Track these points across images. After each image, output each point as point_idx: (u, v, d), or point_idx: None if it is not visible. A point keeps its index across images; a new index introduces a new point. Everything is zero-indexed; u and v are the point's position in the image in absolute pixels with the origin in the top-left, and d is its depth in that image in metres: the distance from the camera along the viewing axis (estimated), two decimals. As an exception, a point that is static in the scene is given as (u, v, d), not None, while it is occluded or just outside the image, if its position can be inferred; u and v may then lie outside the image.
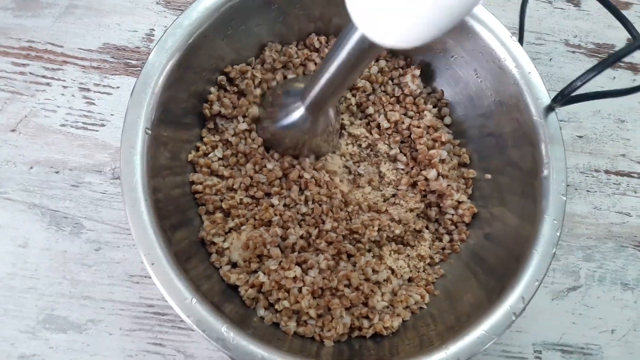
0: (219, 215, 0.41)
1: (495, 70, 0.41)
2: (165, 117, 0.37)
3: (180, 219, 0.38)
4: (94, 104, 0.47)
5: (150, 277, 0.44)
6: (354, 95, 0.46)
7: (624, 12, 0.59)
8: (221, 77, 0.42)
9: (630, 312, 0.48)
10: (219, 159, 0.42)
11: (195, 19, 0.37)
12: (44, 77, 0.48)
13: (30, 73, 0.48)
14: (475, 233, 0.44)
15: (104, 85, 0.48)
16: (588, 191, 0.51)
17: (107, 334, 0.43)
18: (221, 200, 0.41)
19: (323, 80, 0.33)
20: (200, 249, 0.40)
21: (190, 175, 0.41)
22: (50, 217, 0.45)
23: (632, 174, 0.52)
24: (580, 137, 0.52)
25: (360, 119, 0.47)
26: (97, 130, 0.47)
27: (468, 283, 0.41)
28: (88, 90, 0.48)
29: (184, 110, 0.40)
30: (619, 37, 0.57)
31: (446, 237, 0.45)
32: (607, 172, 0.52)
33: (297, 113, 0.39)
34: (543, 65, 0.55)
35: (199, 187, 0.40)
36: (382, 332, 0.39)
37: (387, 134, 0.46)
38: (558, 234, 0.36)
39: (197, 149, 0.42)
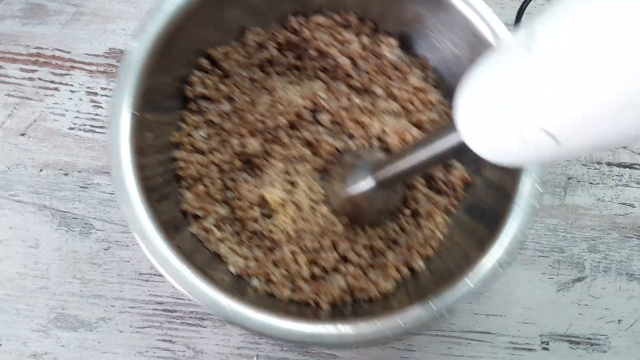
0: (200, 188, 0.41)
1: (471, 40, 0.41)
2: (150, 101, 0.37)
3: (164, 193, 0.39)
4: (101, 107, 0.48)
5: (160, 275, 0.45)
6: (347, 76, 0.46)
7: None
8: (203, 60, 0.43)
9: (636, 302, 0.49)
10: (203, 137, 0.43)
11: (175, 2, 0.37)
12: (52, 82, 0.49)
13: (39, 78, 0.49)
14: (466, 196, 0.45)
15: (111, 89, 0.49)
16: (591, 183, 0.51)
17: (118, 332, 0.43)
18: (200, 174, 0.42)
19: (405, 165, 0.33)
20: (184, 222, 0.41)
21: (174, 152, 0.41)
22: (60, 218, 0.45)
23: (634, 165, 0.52)
24: (582, 130, 0.53)
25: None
26: (104, 133, 0.48)
27: (457, 240, 0.42)
28: (95, 94, 0.49)
29: (168, 94, 0.41)
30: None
31: (440, 200, 0.44)
32: (609, 164, 0.52)
33: (366, 185, 0.39)
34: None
35: (182, 164, 0.41)
36: (378, 297, 0.40)
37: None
38: (538, 187, 0.37)
39: (180, 129, 0.42)
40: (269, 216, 0.43)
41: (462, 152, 0.27)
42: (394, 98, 0.46)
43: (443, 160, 0.30)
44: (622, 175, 0.52)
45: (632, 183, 0.52)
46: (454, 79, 0.45)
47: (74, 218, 0.45)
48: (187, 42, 0.40)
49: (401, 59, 0.46)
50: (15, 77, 0.48)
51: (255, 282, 0.39)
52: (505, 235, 0.36)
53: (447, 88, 0.46)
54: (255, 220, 0.42)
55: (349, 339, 0.34)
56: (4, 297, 0.43)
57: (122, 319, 0.44)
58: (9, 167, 0.46)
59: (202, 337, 0.44)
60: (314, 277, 0.40)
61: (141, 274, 0.45)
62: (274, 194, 0.42)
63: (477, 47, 0.41)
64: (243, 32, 0.45)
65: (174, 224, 0.38)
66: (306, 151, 0.44)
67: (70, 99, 0.48)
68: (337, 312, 0.39)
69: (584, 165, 0.52)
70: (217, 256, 0.40)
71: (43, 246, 0.45)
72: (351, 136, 0.45)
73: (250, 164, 0.44)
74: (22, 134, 0.47)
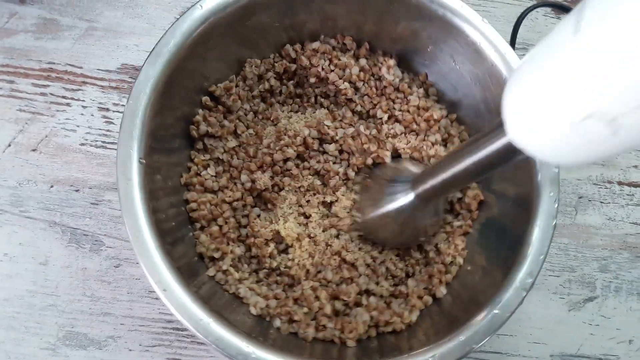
0: (215, 228, 0.41)
1: (471, 55, 0.41)
2: (156, 145, 0.37)
3: (178, 236, 0.39)
4: (112, 123, 0.48)
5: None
6: (349, 100, 0.46)
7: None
8: (205, 98, 0.43)
9: (648, 323, 0.48)
10: (212, 176, 0.42)
11: (173, 45, 0.37)
12: (64, 97, 0.49)
13: (51, 94, 0.49)
14: (480, 215, 0.44)
15: (123, 105, 0.49)
16: (602, 202, 0.51)
17: (127, 350, 0.43)
18: (213, 214, 0.41)
19: (448, 174, 0.33)
20: (201, 265, 0.40)
21: (184, 194, 0.41)
22: (70, 235, 0.45)
23: (644, 185, 0.52)
24: (592, 148, 0.53)
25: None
26: (115, 149, 0.48)
27: (477, 262, 0.41)
28: (107, 109, 0.49)
29: (173, 135, 0.41)
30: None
31: (456, 223, 0.44)
32: (620, 183, 0.52)
33: (406, 199, 0.38)
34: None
35: (194, 205, 0.41)
36: (402, 328, 0.39)
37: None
38: (556, 206, 0.36)
39: (189, 170, 0.42)
40: (285, 251, 0.42)
41: (509, 156, 0.26)
42: (398, 120, 0.46)
43: (489, 167, 0.29)
44: (633, 195, 0.52)
45: (642, 202, 0.52)
46: (456, 92, 0.45)
47: (84, 235, 0.45)
48: (188, 81, 0.40)
49: (401, 79, 0.46)
50: (27, 92, 0.48)
51: (277, 322, 0.38)
52: (527, 259, 0.35)
53: (449, 101, 0.46)
54: (272, 257, 0.41)
55: None
56: (12, 315, 0.43)
57: (132, 337, 0.43)
58: (20, 183, 0.46)
59: (211, 357, 0.43)
60: (336, 312, 0.39)
61: (151, 291, 0.44)
62: (288, 228, 0.42)
63: (477, 61, 0.41)
64: (242, 65, 0.45)
65: (190, 268, 0.38)
66: (316, 181, 0.44)
67: (82, 114, 0.48)
68: (363, 349, 0.38)
69: (595, 184, 0.52)
70: (236, 297, 0.39)
71: (53, 263, 0.44)
72: (358, 167, 0.44)
73: (262, 199, 0.43)
74: (33, 150, 0.47)
